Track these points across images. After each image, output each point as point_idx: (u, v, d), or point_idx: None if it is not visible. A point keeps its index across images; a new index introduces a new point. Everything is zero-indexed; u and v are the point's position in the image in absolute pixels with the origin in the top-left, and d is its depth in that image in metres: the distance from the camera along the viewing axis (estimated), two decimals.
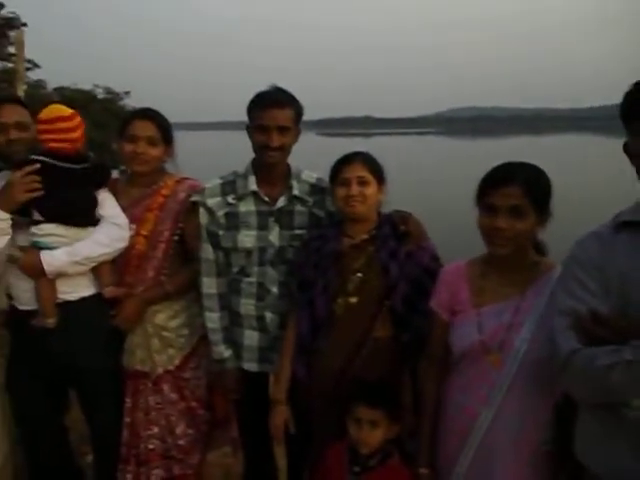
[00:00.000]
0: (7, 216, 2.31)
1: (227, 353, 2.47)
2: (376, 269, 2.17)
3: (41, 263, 2.30)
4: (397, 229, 2.21)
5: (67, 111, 2.40)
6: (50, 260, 2.30)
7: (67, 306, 2.41)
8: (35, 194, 2.29)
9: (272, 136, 2.27)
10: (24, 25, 24.88)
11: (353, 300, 2.17)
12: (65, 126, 2.36)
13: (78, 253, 2.34)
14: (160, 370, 2.55)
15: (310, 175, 2.47)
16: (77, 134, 2.41)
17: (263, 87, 2.38)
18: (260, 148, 2.32)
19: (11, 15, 24.78)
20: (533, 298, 1.87)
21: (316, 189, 2.43)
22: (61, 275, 2.36)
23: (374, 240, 2.20)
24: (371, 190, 2.17)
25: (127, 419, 2.56)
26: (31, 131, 2.49)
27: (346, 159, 2.22)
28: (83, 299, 2.44)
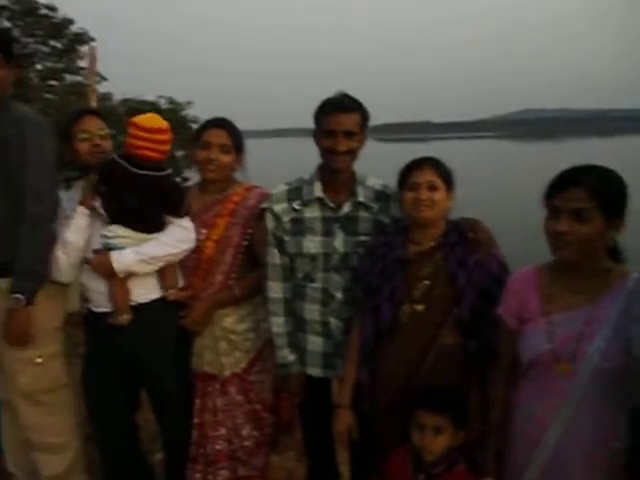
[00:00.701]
0: (86, 212, 2.44)
1: (291, 357, 2.50)
2: (443, 277, 2.15)
3: (111, 262, 2.39)
4: (465, 236, 2.19)
5: (165, 124, 2.48)
6: (119, 259, 2.40)
7: (137, 308, 2.50)
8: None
9: (339, 141, 2.30)
10: (92, 40, 26.07)
11: (419, 307, 2.16)
12: (162, 138, 2.46)
13: (145, 252, 2.43)
14: (227, 372, 2.61)
15: (375, 181, 2.47)
16: (168, 147, 2.51)
17: (326, 94, 2.41)
18: (327, 153, 2.35)
19: (80, 31, 25.98)
20: (606, 307, 1.80)
21: (381, 195, 2.43)
22: (130, 274, 2.45)
23: (441, 247, 2.18)
24: (440, 195, 2.16)
25: (196, 420, 2.64)
26: (108, 142, 2.61)
27: (416, 163, 2.21)
28: (152, 301, 2.53)
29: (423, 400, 2.06)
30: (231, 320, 2.61)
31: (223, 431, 2.63)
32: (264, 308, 2.57)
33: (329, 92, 2.41)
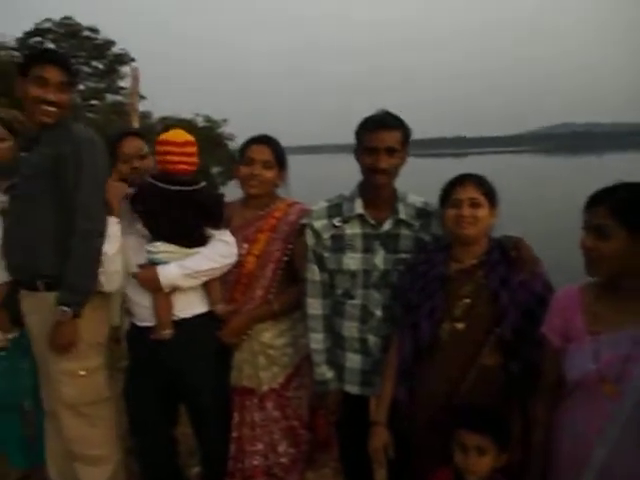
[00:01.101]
0: (116, 220, 2.50)
1: (329, 374, 2.50)
2: (485, 295, 2.13)
3: (157, 277, 2.45)
4: (508, 255, 2.16)
5: (191, 137, 2.56)
6: (164, 273, 2.45)
7: (180, 323, 2.54)
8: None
9: (380, 158, 2.31)
10: (132, 60, 26.89)
11: (460, 326, 2.14)
12: (192, 150, 2.53)
13: (189, 267, 2.47)
14: (265, 387, 2.63)
15: (416, 198, 2.47)
16: (197, 159, 2.58)
17: (368, 111, 2.43)
18: (368, 170, 2.37)
19: (120, 52, 26.83)
20: None
21: (422, 213, 2.42)
22: (175, 288, 2.50)
23: (483, 265, 2.16)
24: (483, 212, 2.14)
25: (234, 434, 2.66)
26: (148, 160, 2.70)
27: (458, 180, 2.20)
28: (195, 316, 2.57)
29: (465, 420, 2.03)
30: (270, 335, 2.63)
31: (260, 446, 2.64)
32: (303, 323, 2.59)
33: (362, 109, 2.43)
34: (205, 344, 2.59)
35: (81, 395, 2.59)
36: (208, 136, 21.66)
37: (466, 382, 2.11)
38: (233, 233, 2.60)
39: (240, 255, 2.59)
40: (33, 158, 2.48)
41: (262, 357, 2.63)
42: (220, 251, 2.53)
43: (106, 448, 2.70)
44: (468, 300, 2.14)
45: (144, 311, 2.56)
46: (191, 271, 2.48)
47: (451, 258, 2.22)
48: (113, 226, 2.51)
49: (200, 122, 24.64)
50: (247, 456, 2.65)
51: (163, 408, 2.68)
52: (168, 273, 2.46)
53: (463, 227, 2.13)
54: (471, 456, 2.00)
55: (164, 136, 2.53)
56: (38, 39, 25.48)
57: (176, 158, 2.50)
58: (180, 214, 2.49)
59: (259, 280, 2.62)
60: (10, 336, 2.79)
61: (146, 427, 2.67)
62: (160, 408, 2.66)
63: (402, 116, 2.41)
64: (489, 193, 2.18)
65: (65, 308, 2.41)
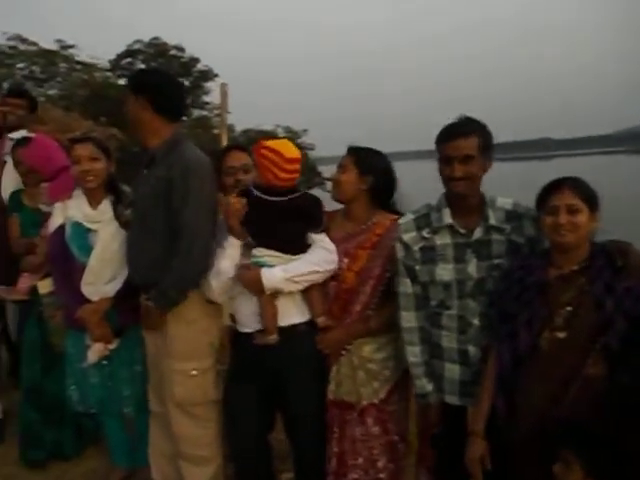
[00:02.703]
0: (239, 243, 2.57)
1: (429, 387, 2.47)
2: (588, 303, 2.04)
3: (260, 278, 2.49)
4: (612, 260, 2.07)
5: (298, 153, 2.60)
6: (268, 275, 2.49)
7: (285, 330, 2.58)
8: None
9: (454, 167, 2.27)
10: (216, 76, 27.86)
11: (561, 335, 2.06)
12: (298, 167, 2.57)
13: (291, 270, 2.50)
14: (365, 402, 2.61)
15: (505, 201, 2.40)
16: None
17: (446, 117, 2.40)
18: (446, 180, 2.34)
19: (205, 68, 27.88)
20: None
21: (512, 215, 2.35)
22: (277, 293, 2.54)
23: (585, 271, 2.08)
24: (582, 218, 2.05)
25: (336, 449, 2.64)
26: (252, 174, 2.80)
27: (554, 185, 2.12)
28: (299, 324, 2.60)
29: (570, 438, 1.95)
30: (369, 349, 2.61)
31: (360, 460, 2.62)
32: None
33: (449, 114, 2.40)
34: (308, 353, 2.63)
35: (191, 395, 2.70)
36: None
37: (568, 394, 2.03)
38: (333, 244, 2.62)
39: (340, 269, 2.60)
40: (151, 179, 2.62)
41: (362, 372, 2.61)
42: (322, 257, 2.55)
43: (210, 449, 2.80)
44: (570, 308, 2.06)
45: (248, 317, 2.62)
46: (293, 274, 2.50)
47: (550, 264, 2.15)
48: (233, 248, 2.58)
49: (280, 133, 25.17)
50: (349, 470, 2.63)
51: (263, 413, 2.72)
52: (271, 275, 2.49)
53: (562, 235, 2.06)
54: (575, 471, 1.92)
55: (282, 150, 2.53)
56: (129, 60, 26.90)
57: (287, 176, 2.53)
58: (283, 223, 2.55)
59: (358, 296, 2.61)
60: (111, 347, 2.95)
61: (245, 431, 2.71)
62: (260, 413, 2.71)
63: (485, 120, 2.34)
64: (588, 197, 2.08)
65: (150, 303, 2.61)
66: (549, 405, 2.06)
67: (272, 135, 23.94)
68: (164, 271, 2.55)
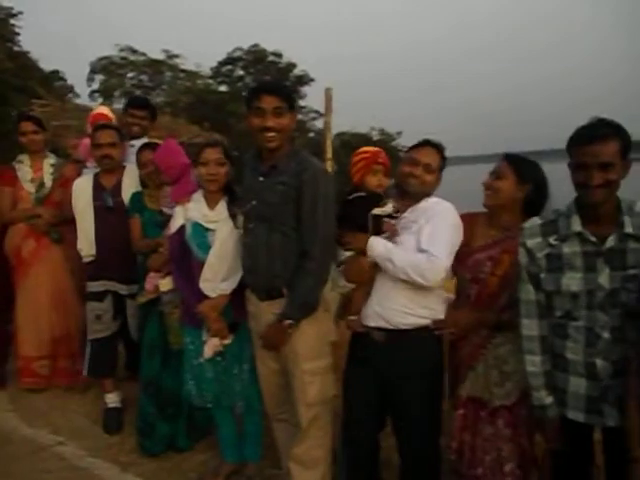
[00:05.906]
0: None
1: (548, 400, 2.35)
2: None
3: (364, 266, 2.64)
4: None
5: None
6: (374, 244, 2.61)
7: (401, 333, 2.62)
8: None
9: (592, 174, 2.11)
10: (312, 80, 28.33)
11: None
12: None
13: (392, 252, 2.58)
14: (497, 403, 2.59)
15: None
16: None
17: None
18: (580, 187, 2.19)
19: (302, 73, 28.42)
20: None
21: None
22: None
23: None
24: None
25: (468, 439, 2.68)
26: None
27: None
28: (417, 329, 2.63)
29: None
30: (505, 350, 2.60)
31: (488, 459, 2.62)
32: None
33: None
34: (424, 359, 2.65)
35: (319, 393, 2.76)
36: (383, 149, 22.12)
37: None
38: (476, 252, 2.63)
39: (483, 273, 2.61)
40: (278, 186, 2.67)
41: (495, 372, 2.60)
42: (422, 265, 2.52)
43: (323, 450, 2.84)
44: None
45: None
46: (389, 257, 2.57)
47: None
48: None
49: (375, 136, 25.16)
50: (478, 464, 2.64)
51: (373, 411, 2.76)
52: (376, 244, 2.60)
53: None
54: None
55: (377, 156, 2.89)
56: (229, 67, 27.91)
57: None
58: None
59: (499, 300, 2.60)
60: (226, 342, 3.05)
61: (360, 429, 2.78)
62: (371, 410, 2.75)
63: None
64: None
65: (291, 321, 2.64)
66: None
67: (366, 138, 23.95)
68: (296, 275, 2.64)
